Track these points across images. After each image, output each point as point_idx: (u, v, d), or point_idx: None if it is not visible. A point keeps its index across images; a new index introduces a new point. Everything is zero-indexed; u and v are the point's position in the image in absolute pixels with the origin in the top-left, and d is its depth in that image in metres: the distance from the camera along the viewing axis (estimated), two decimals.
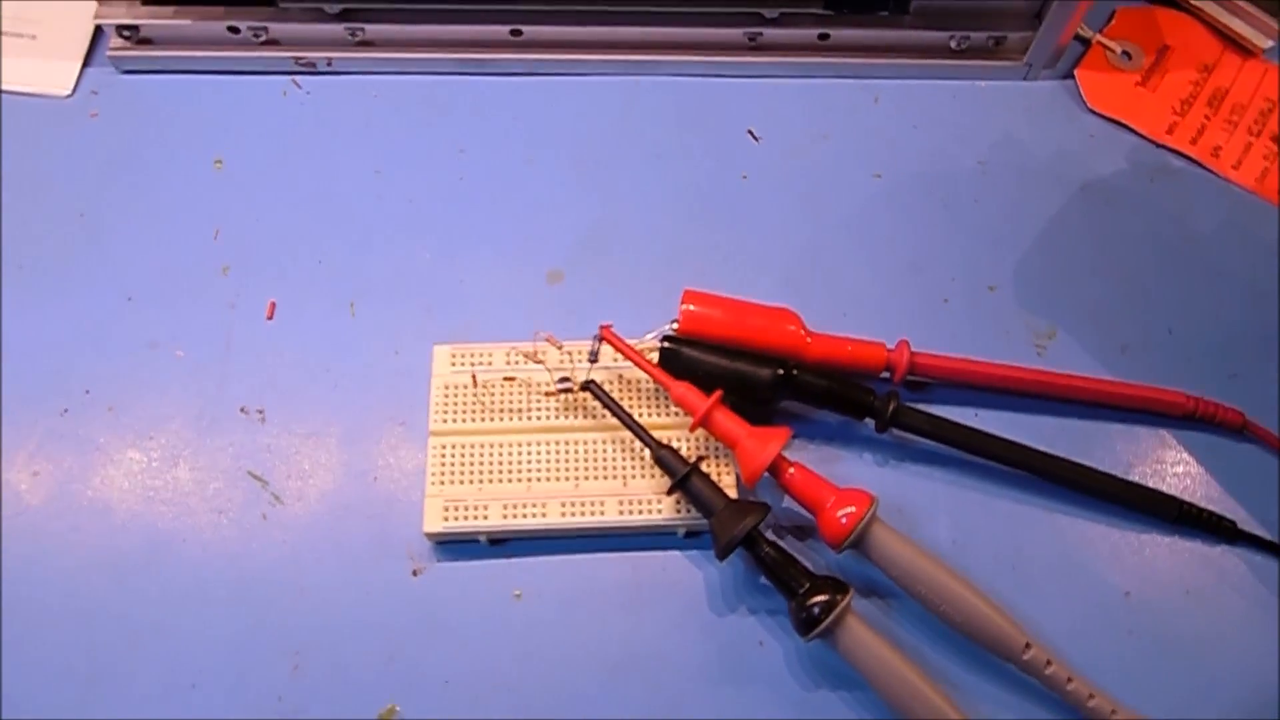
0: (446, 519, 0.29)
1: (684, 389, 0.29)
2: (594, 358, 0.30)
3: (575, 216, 0.36)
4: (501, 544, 0.30)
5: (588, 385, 0.30)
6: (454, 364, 0.31)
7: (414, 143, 0.37)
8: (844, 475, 0.30)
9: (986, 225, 0.36)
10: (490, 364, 0.31)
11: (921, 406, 0.31)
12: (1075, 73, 0.39)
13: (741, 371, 0.30)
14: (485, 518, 0.29)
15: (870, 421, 0.31)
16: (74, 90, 0.38)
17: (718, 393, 0.29)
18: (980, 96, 0.39)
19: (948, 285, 0.35)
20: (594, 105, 0.38)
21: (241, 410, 0.31)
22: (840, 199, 0.36)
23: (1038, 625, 0.28)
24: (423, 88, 0.38)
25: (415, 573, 0.29)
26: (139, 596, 0.29)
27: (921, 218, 0.36)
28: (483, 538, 0.29)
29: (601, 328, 0.30)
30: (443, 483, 0.29)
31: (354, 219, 0.35)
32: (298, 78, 0.38)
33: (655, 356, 0.30)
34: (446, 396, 0.31)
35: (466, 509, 0.29)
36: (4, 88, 0.37)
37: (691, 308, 0.30)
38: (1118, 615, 0.29)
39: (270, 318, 0.33)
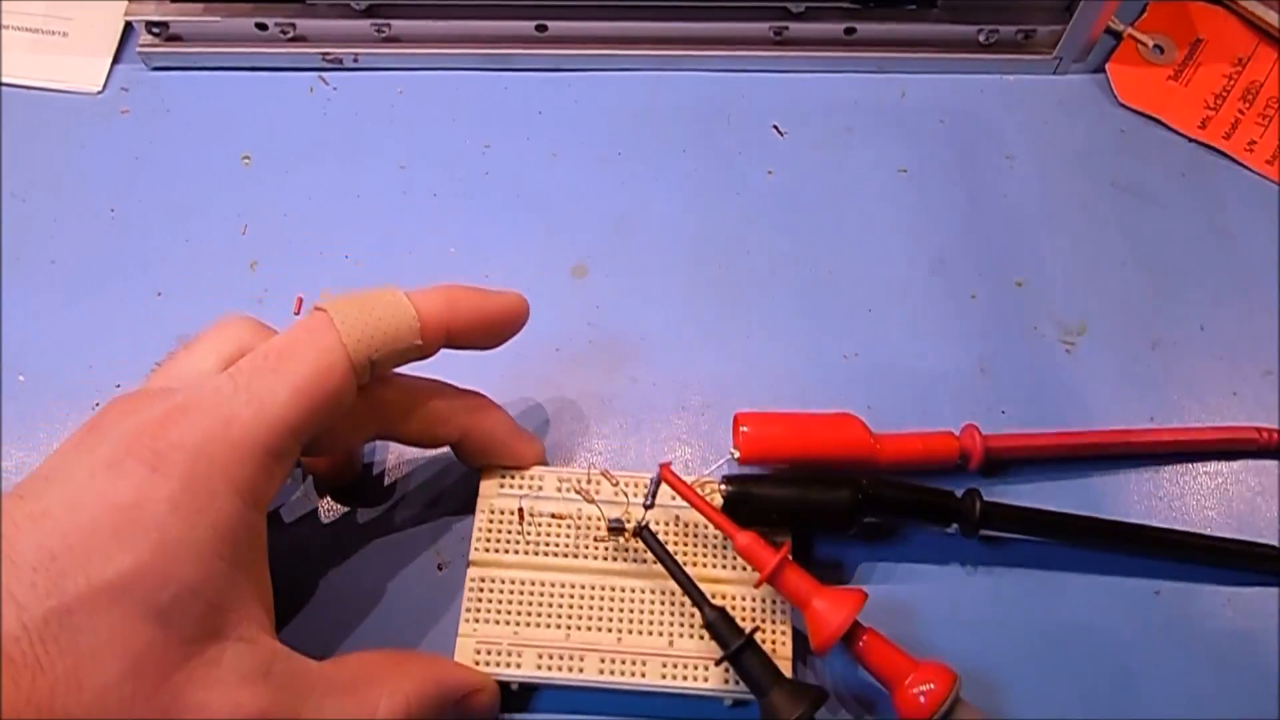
0: (478, 663, 0.27)
1: (749, 540, 0.26)
2: (650, 502, 0.27)
3: (600, 211, 0.36)
4: (533, 689, 0.28)
5: (641, 532, 0.27)
6: (502, 487, 0.29)
7: (439, 138, 0.37)
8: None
9: (1014, 220, 0.36)
10: (540, 489, 0.29)
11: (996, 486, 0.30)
12: (1106, 66, 0.39)
13: (818, 501, 0.28)
14: (519, 666, 0.27)
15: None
16: (104, 87, 0.38)
17: (786, 546, 0.26)
18: (1009, 90, 0.39)
19: (974, 280, 0.34)
20: (619, 100, 0.38)
21: None
22: (866, 193, 0.36)
23: None
24: (448, 83, 0.38)
25: (440, 567, 0.29)
26: None
27: (948, 212, 0.36)
28: (514, 685, 0.27)
29: (661, 467, 0.27)
30: (477, 621, 0.27)
31: (379, 214, 0.35)
32: (324, 74, 0.39)
33: (718, 497, 0.28)
34: (491, 522, 0.29)
35: (500, 653, 0.27)
36: (35, 84, 0.38)
37: (747, 429, 0.28)
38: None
39: (298, 313, 0.33)
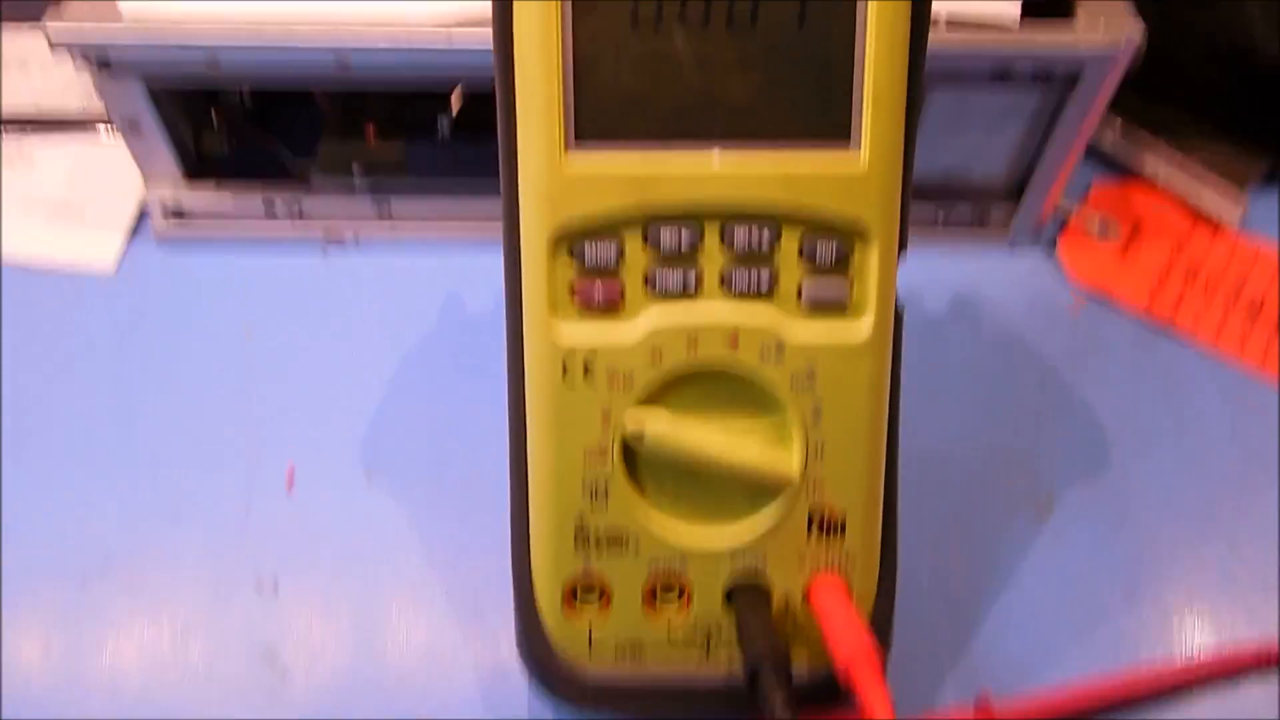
0: None
1: None
2: None
3: None
4: None
5: None
6: None
7: (435, 316, 0.39)
8: None
9: (976, 395, 0.37)
10: None
11: None
12: (1058, 244, 0.42)
13: None
14: None
15: None
16: (116, 266, 0.40)
17: None
18: (966, 268, 0.41)
19: (937, 456, 0.36)
20: None
21: (257, 583, 0.32)
22: None
23: None
24: (445, 261, 0.40)
25: None
26: None
27: (910, 386, 0.37)
28: None
29: None
30: None
31: (374, 390, 0.37)
32: (327, 251, 0.41)
33: None
34: None
35: None
36: (49, 264, 0.40)
37: None
38: None
39: (290, 488, 0.34)
